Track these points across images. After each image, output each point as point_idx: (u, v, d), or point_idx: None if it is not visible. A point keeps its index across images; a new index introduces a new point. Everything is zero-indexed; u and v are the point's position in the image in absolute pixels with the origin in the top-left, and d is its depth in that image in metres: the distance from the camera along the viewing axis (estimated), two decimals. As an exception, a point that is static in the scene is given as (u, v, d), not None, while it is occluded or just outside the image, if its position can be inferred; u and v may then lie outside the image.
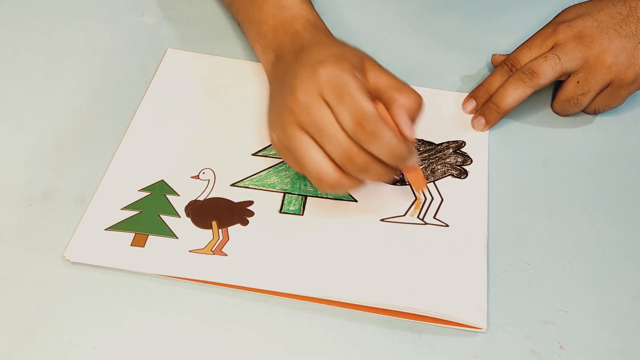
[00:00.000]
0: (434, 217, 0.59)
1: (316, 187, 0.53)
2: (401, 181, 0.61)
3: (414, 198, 0.60)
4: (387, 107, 0.53)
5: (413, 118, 0.53)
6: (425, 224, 0.58)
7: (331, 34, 0.61)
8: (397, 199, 0.59)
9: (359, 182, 0.53)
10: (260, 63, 0.65)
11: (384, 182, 0.54)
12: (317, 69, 0.51)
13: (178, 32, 0.74)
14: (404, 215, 0.59)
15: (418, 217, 0.58)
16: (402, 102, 0.52)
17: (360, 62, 0.53)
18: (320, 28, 0.60)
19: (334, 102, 0.50)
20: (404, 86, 0.53)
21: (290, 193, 0.60)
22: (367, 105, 0.49)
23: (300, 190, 0.60)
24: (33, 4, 0.76)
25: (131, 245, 0.56)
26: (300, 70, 0.52)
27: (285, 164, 0.61)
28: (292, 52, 0.58)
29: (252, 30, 0.64)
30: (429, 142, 0.65)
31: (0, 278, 0.54)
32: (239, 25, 0.69)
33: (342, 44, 0.56)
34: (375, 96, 0.53)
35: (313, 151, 0.51)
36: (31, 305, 0.52)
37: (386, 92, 0.53)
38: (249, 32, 0.66)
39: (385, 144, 0.50)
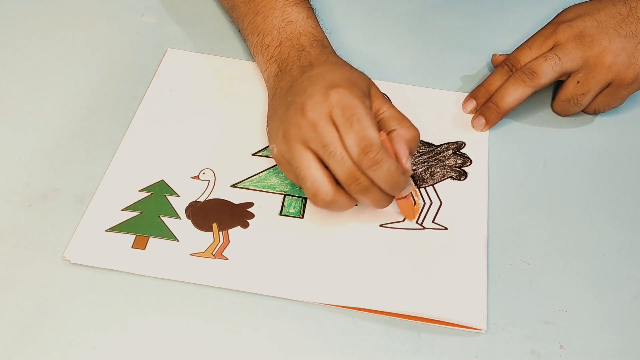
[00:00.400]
0: (433, 221, 0.59)
1: (311, 202, 0.54)
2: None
3: (412, 203, 0.60)
4: (388, 136, 0.55)
5: (410, 150, 0.55)
6: (424, 228, 0.58)
7: (336, 53, 0.62)
8: (395, 205, 0.59)
9: (352, 203, 0.55)
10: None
11: (377, 208, 0.56)
12: (330, 90, 0.53)
13: (178, 32, 0.74)
14: (403, 220, 0.59)
15: (417, 222, 0.58)
16: (402, 134, 0.55)
17: (368, 88, 0.56)
18: (326, 47, 0.62)
19: (342, 125, 0.52)
20: (404, 118, 0.56)
21: (290, 195, 0.60)
22: (373, 133, 0.52)
23: (300, 192, 0.60)
24: (33, 4, 0.76)
25: (132, 247, 0.56)
26: (311, 88, 0.54)
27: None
28: (299, 67, 0.58)
29: (254, 39, 0.65)
30: (428, 143, 0.65)
31: (0, 278, 0.54)
32: (239, 31, 0.70)
33: (350, 67, 0.59)
34: (377, 123, 0.55)
35: (313, 167, 0.53)
36: (31, 305, 0.52)
37: (388, 122, 0.56)
38: (250, 40, 0.66)
39: (386, 173, 0.52)
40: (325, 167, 0.53)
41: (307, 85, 0.55)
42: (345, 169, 0.52)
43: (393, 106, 0.57)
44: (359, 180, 0.52)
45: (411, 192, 0.58)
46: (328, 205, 0.54)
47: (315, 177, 0.53)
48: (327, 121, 0.52)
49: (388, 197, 0.55)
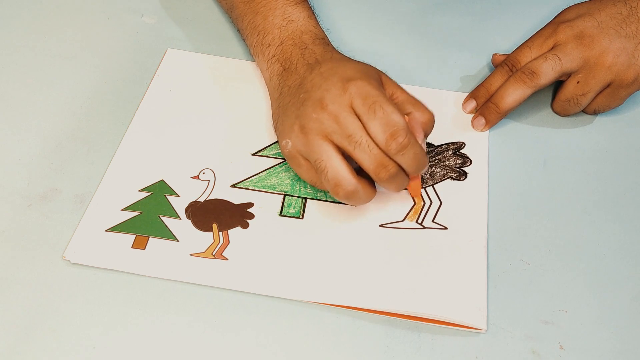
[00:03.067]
0: (433, 221, 0.59)
1: (332, 194, 0.54)
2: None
3: (412, 203, 0.60)
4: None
5: (426, 133, 0.56)
6: (424, 228, 0.58)
7: (338, 51, 0.62)
8: (395, 204, 0.59)
9: (372, 194, 0.55)
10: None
11: (396, 192, 0.57)
12: (347, 83, 0.54)
13: (178, 32, 0.74)
14: (403, 220, 0.59)
15: (416, 221, 0.58)
16: (417, 117, 0.56)
17: (379, 78, 0.57)
18: (328, 44, 0.62)
19: (365, 113, 0.52)
20: (418, 102, 0.57)
21: (290, 195, 0.60)
22: (398, 118, 0.52)
23: (299, 192, 0.60)
24: (33, 4, 0.76)
25: (132, 247, 0.56)
26: (325, 83, 0.55)
27: (285, 165, 0.61)
28: (305, 65, 0.59)
29: (254, 38, 0.65)
30: (428, 143, 0.65)
31: (0, 278, 0.54)
32: (239, 31, 0.70)
33: (357, 61, 0.59)
34: None
35: (334, 158, 0.53)
36: (31, 305, 0.52)
37: (403, 106, 0.56)
38: (250, 39, 0.66)
39: (413, 155, 0.53)
40: (346, 159, 0.54)
41: (320, 81, 0.55)
42: (373, 157, 0.52)
43: (406, 91, 0.57)
44: (388, 167, 0.53)
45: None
46: (350, 195, 0.54)
47: (337, 167, 0.53)
48: (349, 112, 0.53)
49: (407, 180, 0.56)
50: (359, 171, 0.54)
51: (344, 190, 0.53)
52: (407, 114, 0.56)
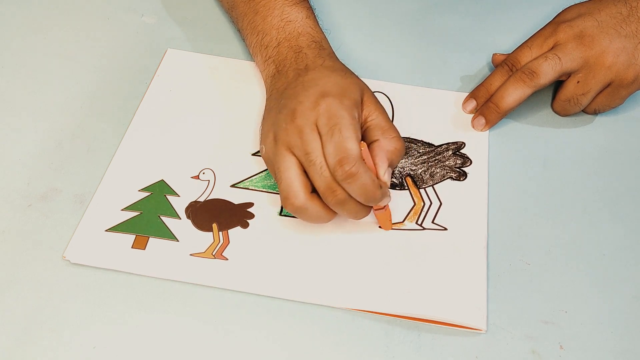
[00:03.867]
0: (433, 222, 0.59)
1: (283, 205, 0.54)
2: (400, 186, 0.61)
3: (412, 204, 0.60)
4: (370, 146, 0.54)
5: (392, 163, 0.54)
6: (424, 229, 0.58)
7: (334, 55, 0.62)
8: (395, 205, 0.59)
9: (326, 216, 0.54)
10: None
11: (355, 220, 0.56)
12: (320, 99, 0.53)
13: (178, 32, 0.74)
14: (402, 221, 0.59)
15: (416, 222, 0.58)
16: (383, 145, 0.54)
17: (360, 96, 0.55)
18: (324, 48, 0.61)
19: (324, 134, 0.52)
20: (390, 128, 0.55)
21: (290, 194, 0.60)
22: (351, 145, 0.51)
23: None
24: (33, 4, 0.76)
25: (132, 247, 0.56)
26: (302, 94, 0.54)
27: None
28: (295, 70, 0.58)
29: (253, 38, 0.65)
30: (428, 143, 0.65)
31: (0, 278, 0.54)
32: (239, 31, 0.70)
33: (345, 72, 0.58)
34: (362, 131, 0.55)
35: (290, 171, 0.53)
36: (31, 305, 0.52)
37: (373, 131, 0.55)
38: (249, 39, 0.66)
39: (360, 185, 0.51)
40: (307, 176, 0.53)
41: (299, 90, 0.55)
42: (323, 179, 0.52)
43: (384, 114, 0.56)
44: (336, 192, 0.52)
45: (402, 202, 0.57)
46: (298, 211, 0.53)
47: (290, 179, 0.52)
48: (312, 129, 0.52)
49: (365, 209, 0.54)
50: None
51: (291, 203, 0.53)
52: (375, 141, 0.54)
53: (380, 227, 0.58)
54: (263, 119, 0.59)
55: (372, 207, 0.55)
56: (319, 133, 0.52)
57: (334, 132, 0.51)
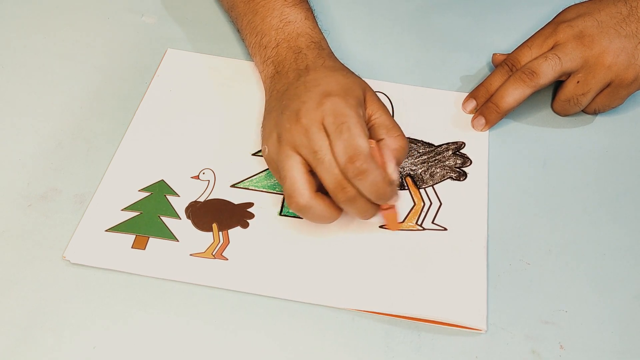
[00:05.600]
0: (433, 222, 0.59)
1: (287, 204, 0.54)
2: (400, 186, 0.61)
3: (412, 204, 0.60)
4: (377, 144, 0.54)
5: (398, 161, 0.55)
6: (424, 229, 0.58)
7: (334, 55, 0.62)
8: (397, 205, 0.59)
9: (331, 215, 0.54)
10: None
11: (363, 219, 0.55)
12: (324, 98, 0.53)
13: (178, 32, 0.74)
14: (402, 222, 0.59)
15: (416, 223, 0.58)
16: (388, 143, 0.55)
17: (363, 95, 0.56)
18: (323, 49, 0.61)
19: (332, 132, 0.52)
20: (394, 127, 0.55)
21: (290, 194, 0.60)
22: (361, 142, 0.51)
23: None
24: (33, 4, 0.76)
25: (132, 247, 0.56)
26: (305, 95, 0.54)
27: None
28: (295, 70, 0.58)
29: (253, 39, 0.65)
30: (428, 143, 0.65)
31: (0, 278, 0.54)
32: (238, 31, 0.70)
33: (347, 72, 0.58)
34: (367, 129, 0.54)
35: (295, 169, 0.52)
36: (31, 305, 0.52)
37: (377, 130, 0.55)
38: (248, 40, 0.66)
39: (372, 183, 0.51)
40: (312, 175, 0.53)
41: (302, 91, 0.55)
42: (333, 177, 0.52)
43: (387, 113, 0.56)
44: (346, 190, 0.52)
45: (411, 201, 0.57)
46: (302, 210, 0.53)
47: (295, 179, 0.52)
48: (319, 128, 0.52)
49: (374, 207, 0.54)
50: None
51: (295, 202, 0.52)
52: (380, 140, 0.55)
53: (386, 227, 0.58)
54: (264, 119, 0.59)
55: (380, 206, 0.54)
56: (326, 132, 0.52)
57: (342, 130, 0.51)
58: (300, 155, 0.53)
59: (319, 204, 0.53)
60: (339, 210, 0.54)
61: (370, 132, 0.55)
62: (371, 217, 0.55)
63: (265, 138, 0.57)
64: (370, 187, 0.52)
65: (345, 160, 0.51)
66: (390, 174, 0.53)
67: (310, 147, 0.52)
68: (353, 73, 0.59)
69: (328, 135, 0.52)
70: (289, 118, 0.54)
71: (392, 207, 0.56)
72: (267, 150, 0.56)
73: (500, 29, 0.76)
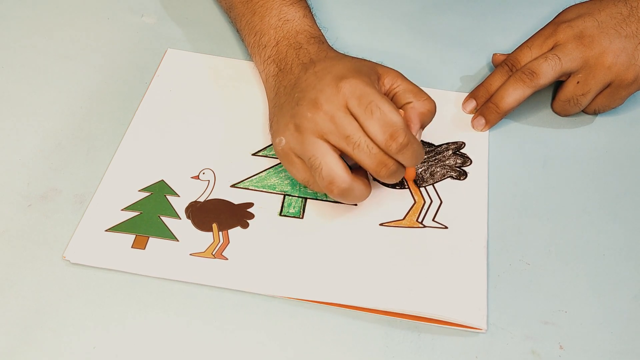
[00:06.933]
0: (433, 220, 0.59)
1: (326, 191, 0.54)
2: (400, 184, 0.61)
3: (412, 202, 0.60)
4: (403, 108, 0.56)
5: (424, 123, 0.56)
6: (424, 227, 0.58)
7: (333, 48, 0.62)
8: (395, 203, 0.59)
9: (367, 192, 0.55)
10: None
11: (393, 182, 0.56)
12: (340, 82, 0.53)
13: (178, 32, 0.74)
14: (403, 219, 0.59)
15: (417, 220, 0.58)
16: (417, 106, 0.56)
17: (375, 73, 0.56)
18: (323, 43, 0.62)
19: (362, 114, 0.52)
20: (419, 91, 0.57)
21: (290, 195, 0.60)
22: (396, 117, 0.52)
23: (300, 192, 0.60)
24: (33, 4, 0.76)
25: (132, 247, 0.56)
26: (320, 83, 0.54)
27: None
28: (299, 65, 0.59)
29: (252, 39, 0.65)
30: (428, 143, 0.65)
31: (0, 278, 0.54)
32: (237, 31, 0.70)
33: (352, 57, 0.59)
34: (391, 98, 0.56)
35: (330, 156, 0.53)
36: (31, 305, 0.52)
37: (403, 95, 0.56)
38: (247, 40, 0.66)
39: (412, 152, 0.53)
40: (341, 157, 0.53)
41: (314, 80, 0.55)
42: (373, 157, 0.52)
43: (407, 80, 0.57)
44: (388, 165, 0.53)
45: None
46: (344, 193, 0.53)
47: (332, 165, 0.53)
48: (345, 112, 0.52)
49: (404, 171, 0.55)
50: (352, 168, 0.54)
51: (338, 187, 0.53)
52: (408, 104, 0.56)
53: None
54: (274, 115, 0.58)
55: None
56: (353, 115, 0.52)
57: (372, 110, 0.52)
58: (328, 142, 0.53)
59: (358, 185, 0.54)
60: (370, 186, 0.55)
61: (396, 100, 0.56)
62: (400, 178, 0.56)
63: (280, 131, 0.56)
64: (412, 156, 0.53)
65: (386, 138, 0.52)
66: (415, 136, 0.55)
67: (339, 132, 0.52)
68: (357, 57, 0.59)
69: (357, 118, 0.52)
70: (308, 107, 0.54)
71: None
72: (283, 141, 0.56)
73: (500, 29, 0.76)
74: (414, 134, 0.55)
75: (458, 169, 0.63)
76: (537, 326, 0.53)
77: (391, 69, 0.58)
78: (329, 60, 0.58)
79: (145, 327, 0.52)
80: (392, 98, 0.57)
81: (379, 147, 0.52)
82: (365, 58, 0.59)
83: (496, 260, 0.57)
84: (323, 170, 0.53)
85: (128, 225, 0.57)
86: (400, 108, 0.56)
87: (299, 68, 0.58)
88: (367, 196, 0.55)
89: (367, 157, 0.52)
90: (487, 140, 0.65)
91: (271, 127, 0.59)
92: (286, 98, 0.57)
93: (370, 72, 0.56)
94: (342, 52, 0.61)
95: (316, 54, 0.59)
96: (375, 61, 0.59)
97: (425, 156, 0.63)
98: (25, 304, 0.53)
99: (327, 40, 0.63)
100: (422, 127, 0.56)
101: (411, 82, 0.57)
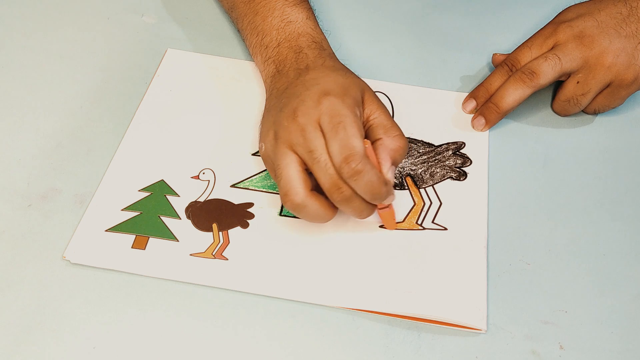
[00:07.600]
0: (433, 222, 0.59)
1: (282, 202, 0.53)
2: (400, 186, 0.61)
3: (412, 204, 0.60)
4: (373, 145, 0.54)
5: (395, 161, 0.54)
6: (424, 229, 0.58)
7: (335, 55, 0.62)
8: (395, 205, 0.59)
9: (326, 214, 0.53)
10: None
11: (359, 218, 0.55)
12: (322, 97, 0.53)
13: (178, 32, 0.74)
14: (402, 221, 0.59)
15: (416, 222, 0.58)
16: (386, 143, 0.54)
17: (361, 95, 0.56)
18: (324, 49, 0.61)
19: (328, 132, 0.52)
20: (392, 127, 0.55)
21: (290, 194, 0.60)
22: (356, 142, 0.51)
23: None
24: (33, 4, 0.76)
25: (132, 247, 0.56)
26: (304, 93, 0.54)
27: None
28: (295, 70, 0.58)
29: (253, 39, 0.65)
30: (428, 143, 0.65)
31: (0, 278, 0.54)
32: (239, 32, 0.70)
33: (346, 72, 0.58)
34: (365, 130, 0.55)
35: (291, 167, 0.52)
36: (31, 305, 0.52)
37: (376, 130, 0.55)
38: (249, 40, 0.66)
39: (366, 182, 0.51)
40: (308, 174, 0.53)
41: (301, 89, 0.55)
42: (328, 177, 0.52)
43: (385, 113, 0.56)
44: (342, 189, 0.52)
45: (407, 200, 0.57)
46: (297, 208, 0.53)
47: (290, 177, 0.52)
48: (315, 127, 0.52)
49: (370, 207, 0.54)
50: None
51: (291, 200, 0.52)
52: (378, 140, 0.54)
53: (383, 227, 0.58)
54: (263, 117, 0.59)
55: (376, 206, 0.54)
56: (322, 131, 0.52)
57: (338, 130, 0.51)
58: (297, 153, 0.53)
59: (314, 203, 0.53)
60: (335, 209, 0.54)
61: (369, 132, 0.55)
62: (367, 216, 0.55)
63: (262, 135, 0.57)
64: (365, 187, 0.51)
65: (341, 160, 0.51)
66: (385, 174, 0.53)
67: (306, 146, 0.52)
68: (353, 73, 0.59)
69: (324, 135, 0.52)
70: (286, 116, 0.54)
71: (389, 206, 0.56)
72: (263, 147, 0.56)
73: (500, 29, 0.76)
74: (385, 171, 0.53)
75: (458, 169, 0.63)
76: (537, 326, 0.53)
77: (376, 98, 0.57)
78: (322, 70, 0.57)
79: (145, 327, 0.52)
80: (367, 129, 0.55)
81: (335, 168, 0.51)
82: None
83: (496, 260, 0.57)
84: (281, 181, 0.52)
85: (128, 226, 0.57)
86: (372, 142, 0.54)
87: (294, 72, 0.58)
88: (327, 219, 0.54)
89: (323, 175, 0.52)
90: (487, 140, 0.65)
91: (259, 129, 0.59)
92: (275, 101, 0.57)
93: (357, 94, 0.55)
94: (342, 58, 0.61)
95: (314, 60, 0.59)
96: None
97: (425, 156, 0.63)
98: (25, 304, 0.53)
99: (330, 44, 0.63)
100: (394, 164, 0.54)
101: (388, 116, 0.56)
